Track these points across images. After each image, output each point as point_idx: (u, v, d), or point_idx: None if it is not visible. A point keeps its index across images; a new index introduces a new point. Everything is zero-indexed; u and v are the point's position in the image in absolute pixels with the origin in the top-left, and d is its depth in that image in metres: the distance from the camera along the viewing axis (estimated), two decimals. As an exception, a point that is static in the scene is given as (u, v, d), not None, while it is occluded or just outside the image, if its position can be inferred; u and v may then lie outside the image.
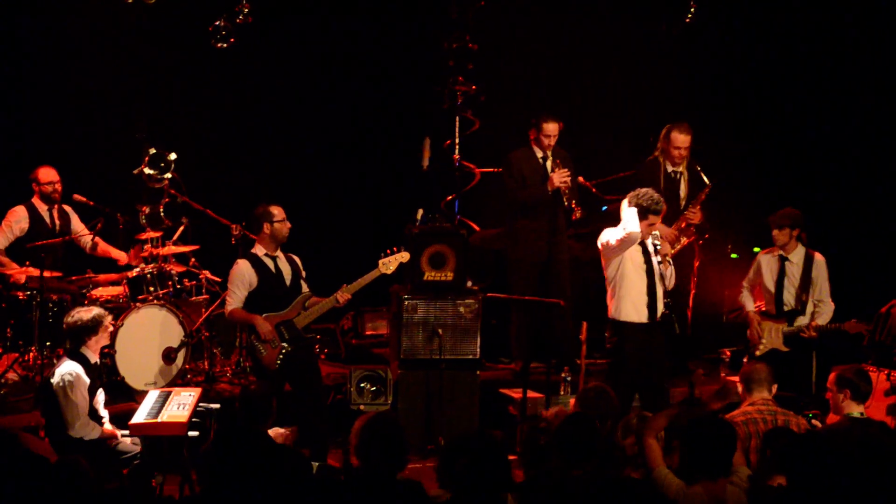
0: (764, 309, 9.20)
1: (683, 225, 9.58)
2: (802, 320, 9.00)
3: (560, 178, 9.56)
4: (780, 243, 9.02)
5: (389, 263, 8.47)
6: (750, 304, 9.22)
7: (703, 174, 9.53)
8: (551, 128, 9.62)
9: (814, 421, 7.39)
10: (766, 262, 9.15)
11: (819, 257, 9.04)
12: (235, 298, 8.37)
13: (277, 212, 8.43)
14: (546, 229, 9.68)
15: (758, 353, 9.03)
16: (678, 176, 9.70)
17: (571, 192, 9.62)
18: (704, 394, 9.17)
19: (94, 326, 7.65)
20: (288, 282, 8.45)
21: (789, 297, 9.06)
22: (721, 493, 5.54)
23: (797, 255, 9.04)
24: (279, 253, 8.48)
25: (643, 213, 8.06)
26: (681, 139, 9.55)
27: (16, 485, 5.35)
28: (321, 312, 8.52)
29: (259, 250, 8.45)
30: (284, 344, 8.29)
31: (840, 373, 7.02)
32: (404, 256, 8.56)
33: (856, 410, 6.95)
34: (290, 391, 8.47)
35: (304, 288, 8.51)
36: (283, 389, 8.32)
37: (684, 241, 9.61)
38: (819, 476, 5.23)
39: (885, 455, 5.48)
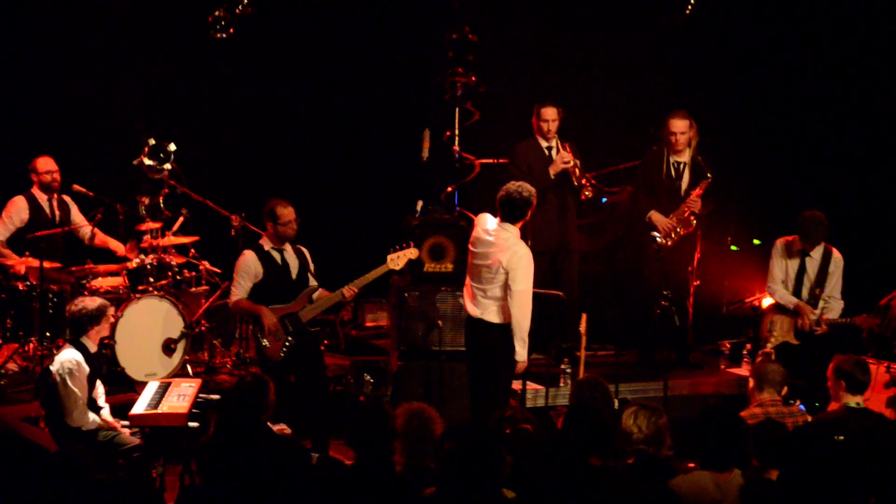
0: (776, 302, 9.18)
1: (684, 215, 9.56)
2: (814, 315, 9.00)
3: (562, 159, 9.52)
4: (810, 249, 9.02)
5: (398, 259, 8.47)
6: (791, 298, 9.09)
7: (704, 166, 9.50)
8: (548, 112, 9.58)
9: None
10: (788, 254, 9.09)
11: (837, 254, 9.04)
12: (240, 289, 8.33)
13: (283, 214, 8.34)
14: (555, 214, 9.62)
15: (769, 345, 8.99)
16: (681, 167, 9.66)
17: (579, 172, 9.57)
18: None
19: (97, 316, 7.67)
20: (294, 274, 8.43)
21: (805, 292, 9.05)
22: (726, 484, 5.56)
23: (818, 251, 9.03)
24: (287, 245, 8.46)
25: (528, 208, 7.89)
26: (677, 125, 9.52)
27: (15, 474, 5.36)
28: (327, 306, 8.52)
29: (266, 243, 8.43)
30: (289, 337, 8.28)
31: (838, 363, 7.07)
32: (413, 253, 8.57)
33: (852, 401, 6.99)
34: (293, 383, 8.47)
35: (312, 281, 8.50)
36: (288, 381, 8.30)
37: (682, 231, 9.58)
38: (809, 466, 5.26)
39: (876, 444, 5.50)
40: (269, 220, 8.40)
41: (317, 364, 8.57)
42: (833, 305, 9.02)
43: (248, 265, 8.34)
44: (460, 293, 8.99)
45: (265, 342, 8.28)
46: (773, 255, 9.22)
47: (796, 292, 9.07)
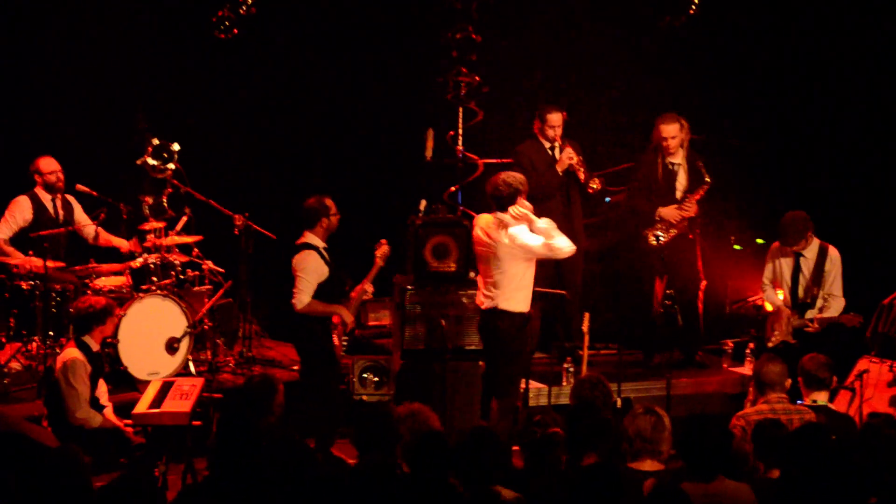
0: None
1: (677, 218, 9.55)
2: (811, 314, 8.95)
3: (567, 155, 9.52)
4: (798, 249, 8.97)
5: (381, 257, 8.54)
6: (776, 300, 9.10)
7: (703, 170, 9.49)
8: (555, 118, 9.60)
9: None
10: (782, 254, 9.05)
11: (833, 251, 8.96)
12: (310, 289, 8.15)
13: (332, 205, 8.38)
14: (560, 214, 9.56)
15: (770, 344, 8.97)
16: (676, 167, 9.66)
17: (584, 168, 9.56)
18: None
19: (102, 316, 7.72)
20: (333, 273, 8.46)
21: (801, 291, 9.02)
22: (714, 493, 5.47)
23: (811, 250, 8.95)
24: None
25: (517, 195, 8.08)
26: (667, 130, 9.52)
27: (13, 472, 5.37)
28: (358, 304, 8.58)
29: (318, 242, 8.31)
30: (346, 335, 8.30)
31: (800, 361, 7.15)
32: (384, 248, 8.60)
33: (816, 398, 7.05)
34: (301, 381, 8.51)
35: None
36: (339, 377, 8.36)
37: (673, 232, 9.57)
38: (808, 465, 5.26)
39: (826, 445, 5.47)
40: (321, 216, 8.32)
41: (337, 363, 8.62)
42: (832, 304, 8.93)
43: (318, 264, 8.21)
44: (463, 292, 9.05)
45: (336, 340, 8.29)
46: (767, 256, 9.22)
47: (793, 292, 9.02)
